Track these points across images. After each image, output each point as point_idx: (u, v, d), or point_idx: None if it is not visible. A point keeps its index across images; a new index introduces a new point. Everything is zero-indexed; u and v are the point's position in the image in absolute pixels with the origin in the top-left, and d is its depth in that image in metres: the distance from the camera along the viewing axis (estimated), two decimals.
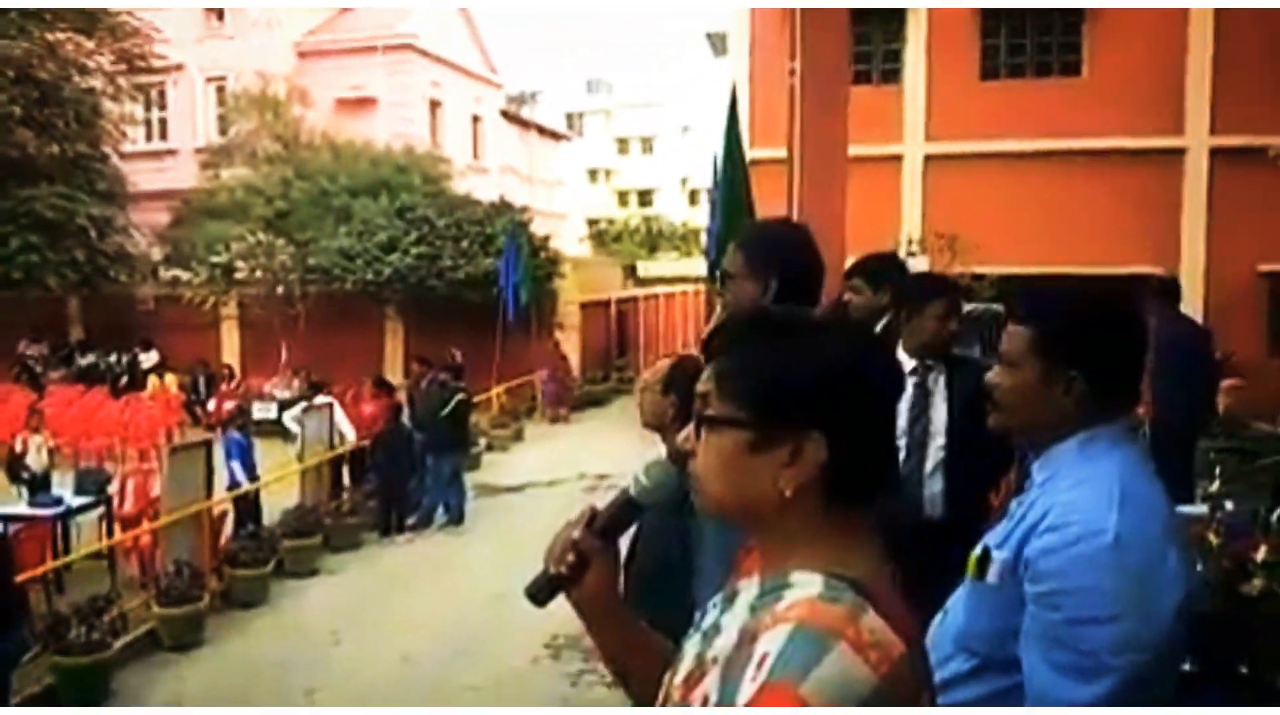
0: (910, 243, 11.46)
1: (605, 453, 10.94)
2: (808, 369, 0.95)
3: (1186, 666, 2.00)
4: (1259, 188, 11.58)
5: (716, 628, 0.99)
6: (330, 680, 5.74)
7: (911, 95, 13.66)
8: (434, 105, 23.46)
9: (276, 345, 16.08)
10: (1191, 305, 13.56)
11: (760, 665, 0.86)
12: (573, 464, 11.69)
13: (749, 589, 0.98)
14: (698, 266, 19.00)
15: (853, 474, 0.95)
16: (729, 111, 6.34)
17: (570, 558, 1.13)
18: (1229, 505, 4.69)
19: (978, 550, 1.44)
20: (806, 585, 0.92)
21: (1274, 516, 4.89)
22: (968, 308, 7.73)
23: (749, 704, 0.85)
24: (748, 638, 0.90)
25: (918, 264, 9.36)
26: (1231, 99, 12.59)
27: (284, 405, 12.76)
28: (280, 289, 16.64)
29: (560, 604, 1.17)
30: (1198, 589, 1.41)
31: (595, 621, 1.17)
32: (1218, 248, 13.17)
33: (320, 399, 10.14)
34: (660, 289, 22.19)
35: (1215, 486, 5.97)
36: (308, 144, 19.60)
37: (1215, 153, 13.20)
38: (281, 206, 17.88)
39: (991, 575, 1.40)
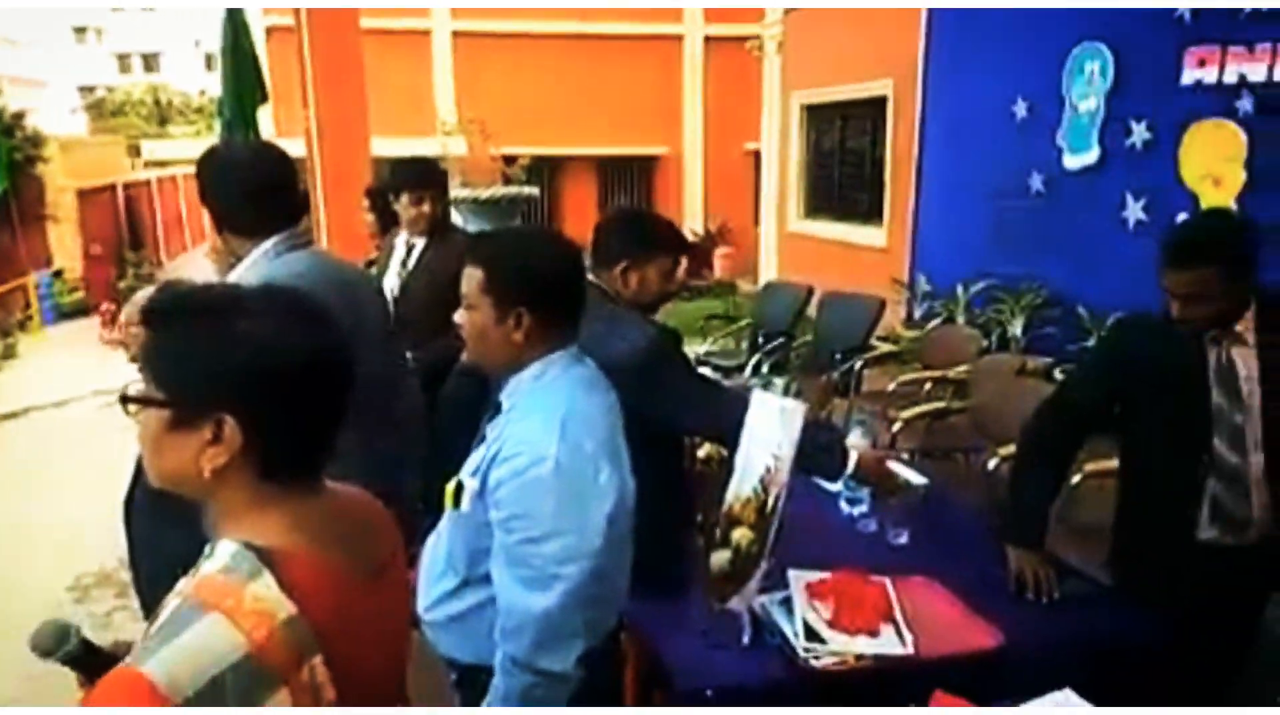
0: (445, 125, 11.45)
1: (124, 360, 9.79)
2: (220, 350, 0.95)
3: None
4: (743, 74, 13.15)
5: None
6: None
7: None
8: None
9: None
10: (693, 181, 15.32)
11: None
12: (87, 380, 10.34)
13: None
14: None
15: (279, 452, 0.99)
16: None
17: None
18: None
19: (452, 483, 1.59)
20: (218, 557, 0.96)
21: (750, 362, 5.86)
22: (503, 191, 8.01)
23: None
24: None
25: (455, 146, 9.39)
26: None
27: None
28: None
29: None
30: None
31: None
32: (713, 128, 14.92)
33: None
34: (178, 170, 19.87)
35: (706, 347, 6.99)
36: None
37: (708, 40, 14.75)
38: None
39: (464, 503, 1.56)
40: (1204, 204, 5.25)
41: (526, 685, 1.52)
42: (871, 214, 9.13)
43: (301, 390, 0.98)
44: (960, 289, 6.85)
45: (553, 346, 1.62)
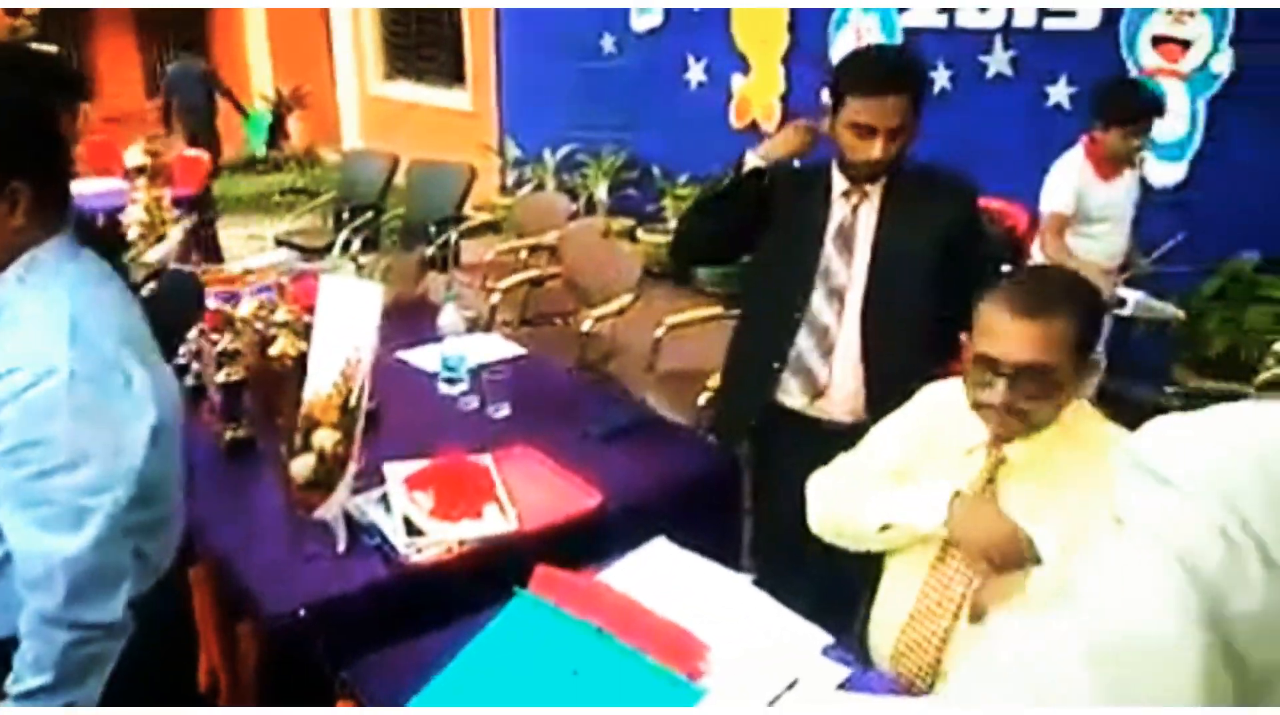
0: None
1: None
2: None
3: None
4: None
5: None
6: None
7: None
8: None
9: None
10: (257, 39, 13.73)
11: None
12: None
13: None
14: None
15: None
16: None
17: None
18: None
19: None
20: None
21: (338, 240, 5.45)
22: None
23: None
24: None
25: None
26: None
27: None
28: None
29: None
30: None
31: None
32: None
33: None
34: None
35: (286, 225, 6.40)
36: None
37: None
38: None
39: None
40: (755, 66, 5.68)
41: (67, 644, 1.24)
42: (455, 76, 8.82)
43: None
44: (548, 153, 6.89)
45: (44, 230, 1.29)
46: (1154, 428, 0.62)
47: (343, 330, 1.77)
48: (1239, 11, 3.78)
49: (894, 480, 1.64)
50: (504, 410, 2.45)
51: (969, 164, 4.65)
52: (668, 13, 6.08)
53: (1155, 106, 3.26)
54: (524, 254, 4.86)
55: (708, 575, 1.72)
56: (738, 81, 5.80)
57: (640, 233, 6.18)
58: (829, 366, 2.14)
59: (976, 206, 2.24)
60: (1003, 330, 1.42)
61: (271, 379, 2.12)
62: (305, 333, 2.04)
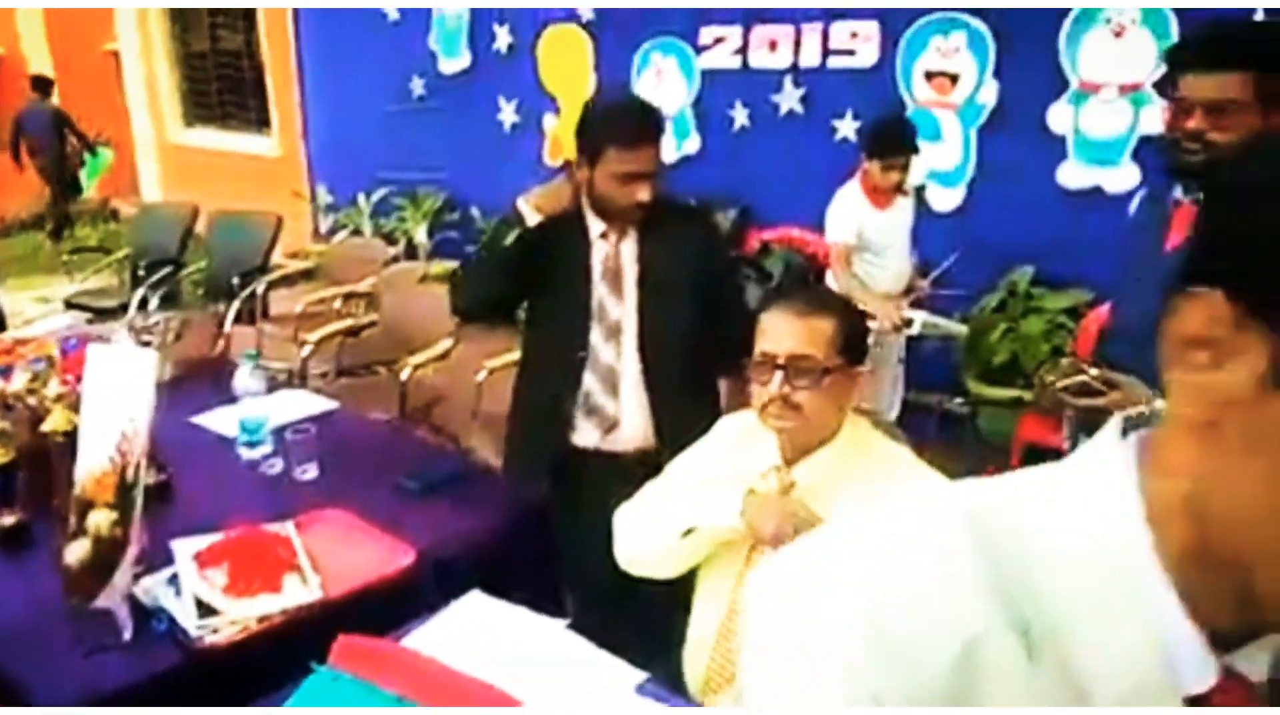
0: None
1: None
2: None
3: None
4: None
5: None
6: None
7: None
8: None
9: None
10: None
11: None
12: None
13: None
14: None
15: None
16: None
17: None
18: None
19: None
20: None
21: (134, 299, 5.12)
22: None
23: None
24: None
25: None
26: None
27: None
28: None
29: None
30: None
31: None
32: (56, 27, 12.56)
33: None
34: None
35: (75, 287, 5.98)
36: None
37: None
38: None
39: None
40: (564, 106, 5.76)
41: None
42: (260, 122, 8.50)
43: None
44: (363, 198, 6.74)
45: None
46: (768, 578, 0.56)
47: (115, 401, 1.66)
48: (998, 46, 4.14)
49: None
50: (311, 471, 2.35)
51: (769, 196, 4.90)
52: (475, 55, 6.10)
53: (910, 143, 3.47)
54: (338, 303, 4.72)
55: (522, 625, 1.71)
56: (549, 121, 5.87)
57: None
58: (618, 402, 2.22)
59: (718, 228, 2.40)
60: (774, 328, 1.58)
61: (44, 458, 1.96)
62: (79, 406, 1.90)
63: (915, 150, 3.49)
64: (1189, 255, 0.49)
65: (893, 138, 3.48)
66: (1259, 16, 3.37)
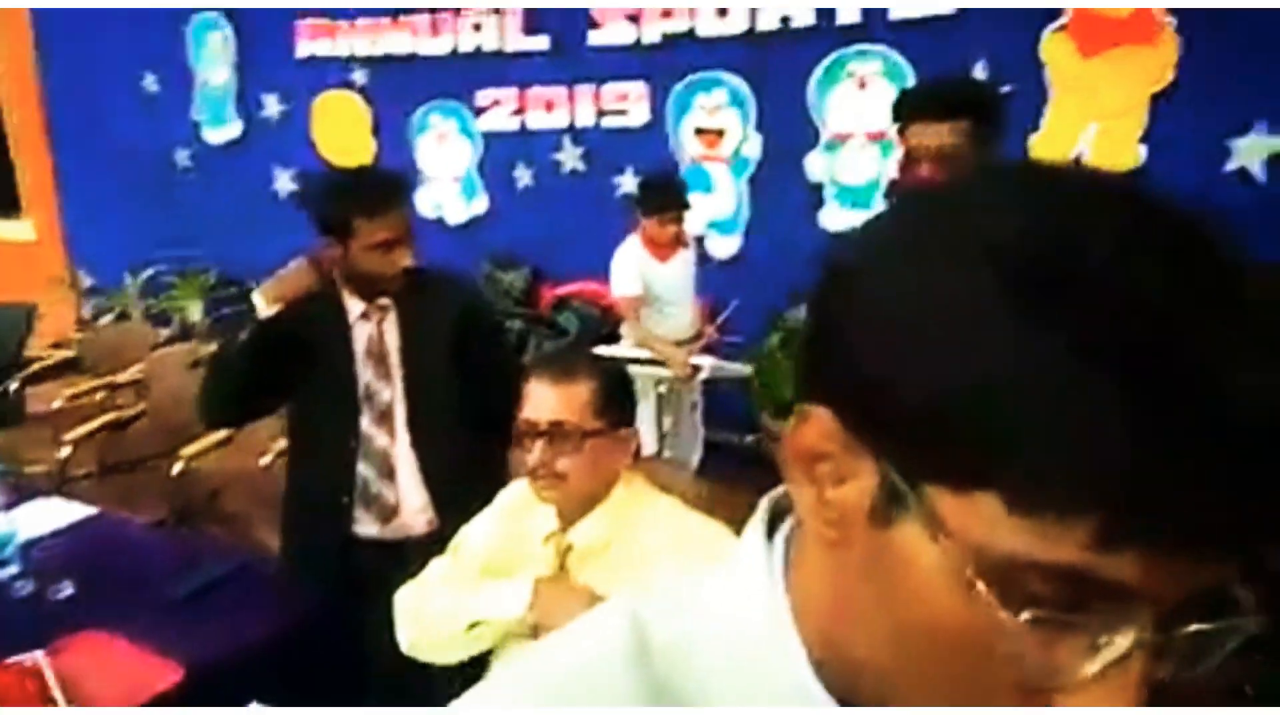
0: None
1: None
2: None
3: None
4: None
5: None
6: None
7: None
8: None
9: None
10: None
11: None
12: None
13: None
14: None
15: None
16: None
17: None
18: None
19: None
20: None
21: None
22: None
23: None
24: None
25: None
26: None
27: None
28: None
29: None
30: None
31: None
32: None
33: None
34: None
35: None
36: None
37: None
38: None
39: None
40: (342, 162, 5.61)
41: None
42: (10, 205, 7.78)
43: None
44: (129, 278, 6.29)
45: None
46: None
47: None
48: (758, 101, 4.40)
49: (483, 578, 1.65)
50: (66, 589, 2.14)
51: (560, 253, 4.95)
52: (246, 124, 5.87)
53: (680, 199, 3.61)
54: (99, 395, 4.36)
55: None
56: None
57: None
58: (396, 488, 2.14)
59: (480, 294, 2.38)
60: (534, 395, 1.56)
61: None
62: None
63: (686, 206, 3.63)
64: (798, 366, 0.46)
65: (662, 196, 3.60)
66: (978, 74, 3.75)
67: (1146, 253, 0.36)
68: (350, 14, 5.32)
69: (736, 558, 0.51)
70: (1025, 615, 0.37)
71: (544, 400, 1.55)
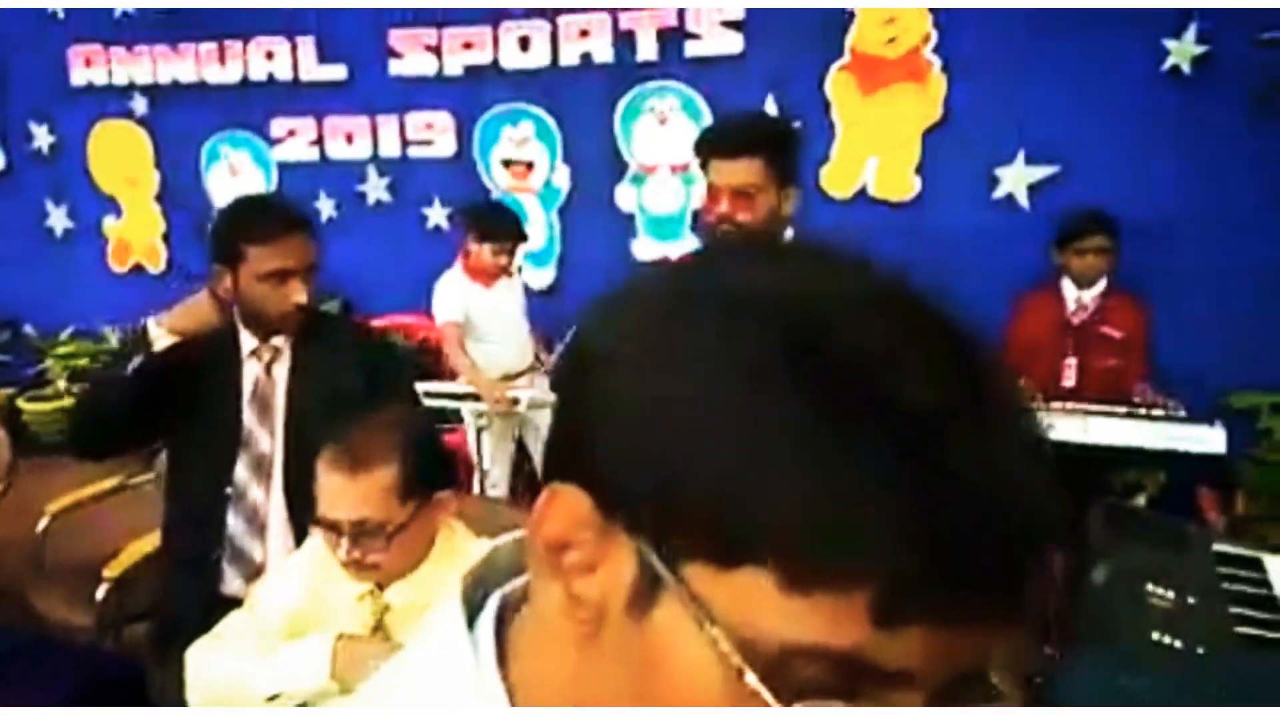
0: None
1: None
2: None
3: None
4: None
5: None
6: None
7: None
8: None
9: None
10: None
11: None
12: None
13: None
14: None
15: None
16: None
17: None
18: None
19: None
20: None
21: None
22: None
23: None
24: None
25: None
26: None
27: None
28: None
29: None
30: None
31: None
32: None
33: None
34: None
35: None
36: None
37: None
38: None
39: None
40: (126, 207, 5.25)
41: None
42: None
43: None
44: None
45: None
46: None
47: None
48: (564, 133, 4.44)
49: (285, 637, 1.54)
50: None
51: (369, 285, 4.81)
52: (10, 158, 5.38)
53: (518, 229, 3.59)
54: None
55: None
56: (110, 223, 5.31)
57: (22, 402, 5.29)
58: (264, 546, 1.98)
59: (391, 345, 2.24)
60: (327, 491, 1.42)
61: None
62: None
63: (523, 237, 3.61)
64: (548, 445, 0.42)
65: (501, 223, 3.56)
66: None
67: (890, 318, 0.36)
68: (126, 40, 4.98)
69: (437, 646, 0.46)
70: (797, 707, 0.34)
71: (341, 497, 1.40)
